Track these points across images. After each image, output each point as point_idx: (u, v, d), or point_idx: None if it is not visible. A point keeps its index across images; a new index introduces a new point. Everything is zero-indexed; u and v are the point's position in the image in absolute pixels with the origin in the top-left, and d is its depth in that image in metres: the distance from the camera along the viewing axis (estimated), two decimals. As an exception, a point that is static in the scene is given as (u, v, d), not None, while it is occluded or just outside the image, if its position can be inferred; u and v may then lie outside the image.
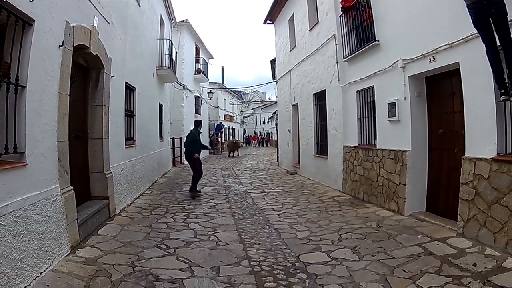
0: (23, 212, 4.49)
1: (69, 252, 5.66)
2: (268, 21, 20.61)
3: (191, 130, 12.94)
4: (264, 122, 65.70)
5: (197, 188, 12.04)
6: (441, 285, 4.39)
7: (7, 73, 4.42)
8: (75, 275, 4.89)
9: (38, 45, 4.97)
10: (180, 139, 22.62)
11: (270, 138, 57.26)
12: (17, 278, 4.19)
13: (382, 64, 9.04)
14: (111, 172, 8.37)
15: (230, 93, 46.26)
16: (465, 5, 5.24)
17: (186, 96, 24.32)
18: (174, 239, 6.75)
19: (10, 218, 4.18)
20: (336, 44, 11.64)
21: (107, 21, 8.16)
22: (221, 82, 40.03)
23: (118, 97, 9.29)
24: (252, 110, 65.08)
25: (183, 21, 23.51)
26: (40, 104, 5.11)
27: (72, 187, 6.09)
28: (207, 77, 30.17)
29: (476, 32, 5.43)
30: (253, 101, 54.19)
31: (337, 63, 11.67)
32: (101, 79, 8.06)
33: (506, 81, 5.08)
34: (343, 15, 11.01)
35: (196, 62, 27.73)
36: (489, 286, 4.28)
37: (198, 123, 13.17)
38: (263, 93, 62.95)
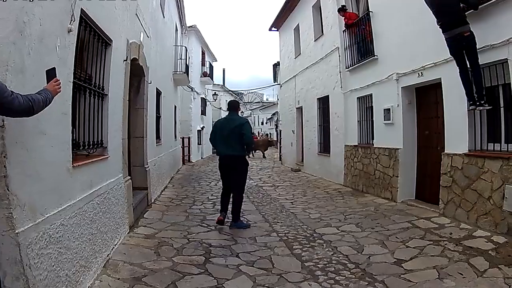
0: (107, 194, 5.68)
1: (129, 230, 6.85)
2: (273, 28, 21.82)
3: (230, 116, 8.22)
4: (262, 123, 66.36)
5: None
6: (424, 246, 5.90)
7: (90, 83, 5.44)
8: (142, 246, 6.17)
9: (114, 60, 6.18)
10: (189, 138, 23.91)
11: (270, 138, 57.48)
12: (103, 248, 5.29)
13: (379, 76, 10.43)
14: (148, 166, 9.69)
15: (232, 95, 47.42)
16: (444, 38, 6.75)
17: (193, 98, 25.58)
18: (210, 220, 8.13)
19: (102, 198, 5.38)
20: (339, 56, 12.97)
21: (147, 35, 9.46)
22: (222, 84, 41.14)
23: (152, 101, 10.59)
24: (251, 111, 65.85)
25: (191, 26, 24.65)
26: (114, 109, 6.36)
27: (130, 177, 7.42)
28: (212, 80, 31.34)
29: (454, 56, 6.92)
30: (255, 102, 55.21)
31: (340, 72, 13.01)
32: (142, 85, 9.38)
33: (474, 95, 6.60)
34: (346, 30, 12.37)
35: (202, 65, 28.89)
36: (460, 246, 5.74)
37: (236, 106, 8.45)
38: (261, 94, 63.89)
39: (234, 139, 7.74)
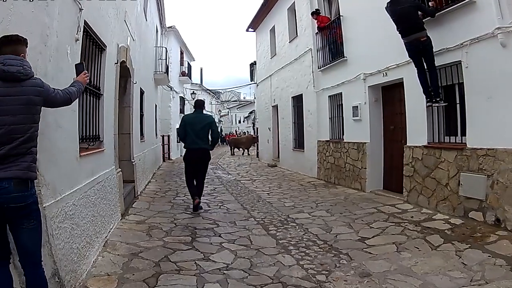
0: (104, 182, 6.34)
1: (121, 218, 7.48)
2: (250, 29, 22.36)
3: (198, 113, 9.09)
4: (240, 121, 66.46)
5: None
6: (386, 226, 6.76)
7: (89, 84, 6.01)
8: (135, 230, 6.88)
9: (107, 63, 6.89)
10: (168, 136, 24.37)
11: (254, 135, 56.96)
12: (102, 230, 5.94)
13: (348, 76, 11.22)
14: (135, 161, 10.32)
15: (209, 94, 47.84)
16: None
17: (173, 97, 26.05)
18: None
19: (100, 185, 6.05)
20: (312, 56, 13.74)
21: (133, 38, 10.12)
22: (200, 83, 41.58)
23: (136, 100, 11.18)
24: (228, 110, 66.10)
25: (170, 27, 25.21)
26: (108, 107, 7.01)
27: (121, 169, 8.12)
28: (190, 79, 31.84)
29: (413, 59, 7.70)
30: (232, 101, 55.51)
31: (312, 72, 13.79)
32: (128, 86, 9.97)
33: (431, 93, 7.42)
34: (318, 33, 13.15)
35: (180, 65, 29.34)
36: (419, 227, 6.58)
37: (202, 104, 9.45)
38: (238, 92, 64.20)
39: (205, 134, 8.67)
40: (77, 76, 4.05)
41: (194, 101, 9.53)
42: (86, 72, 4.13)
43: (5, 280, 3.18)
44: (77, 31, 4.94)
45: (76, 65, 4.17)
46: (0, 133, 2.97)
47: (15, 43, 3.17)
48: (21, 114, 3.07)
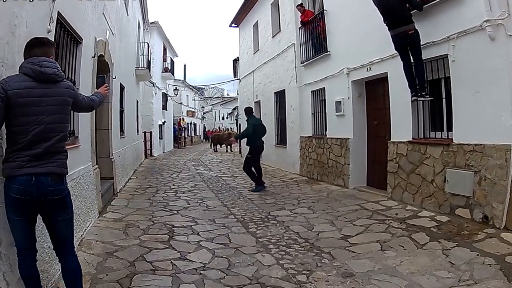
0: (79, 179, 6.17)
1: (98, 215, 7.36)
2: (233, 25, 22.23)
3: (258, 121, 11.88)
4: (223, 118, 66.50)
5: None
6: (370, 224, 6.66)
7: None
8: (111, 228, 6.74)
9: (83, 57, 6.70)
10: (151, 133, 24.18)
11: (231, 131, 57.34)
12: (77, 228, 5.67)
13: (331, 70, 11.13)
14: (114, 157, 10.12)
15: (192, 90, 47.61)
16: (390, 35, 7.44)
17: (155, 93, 25.85)
18: (173, 205, 8.72)
19: (74, 182, 5.81)
20: (295, 51, 13.67)
21: (112, 33, 9.91)
22: (183, 79, 41.38)
23: (116, 96, 11.00)
24: (211, 106, 65.98)
25: (153, 22, 25.00)
26: None
27: (98, 166, 7.93)
28: (173, 75, 31.65)
29: (399, 52, 7.61)
30: (216, 97, 55.33)
31: (295, 67, 13.72)
32: (107, 81, 9.81)
33: (417, 87, 7.31)
34: (302, 27, 13.06)
35: (163, 61, 29.19)
36: (404, 224, 6.48)
37: (250, 111, 12.03)
38: (221, 89, 64.21)
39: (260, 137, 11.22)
40: (98, 88, 4.51)
41: (244, 108, 12.78)
42: (107, 85, 4.58)
43: (35, 272, 3.38)
44: (50, 22, 4.75)
45: (97, 77, 4.39)
46: (38, 131, 3.19)
47: (47, 46, 3.45)
48: (56, 114, 3.33)
